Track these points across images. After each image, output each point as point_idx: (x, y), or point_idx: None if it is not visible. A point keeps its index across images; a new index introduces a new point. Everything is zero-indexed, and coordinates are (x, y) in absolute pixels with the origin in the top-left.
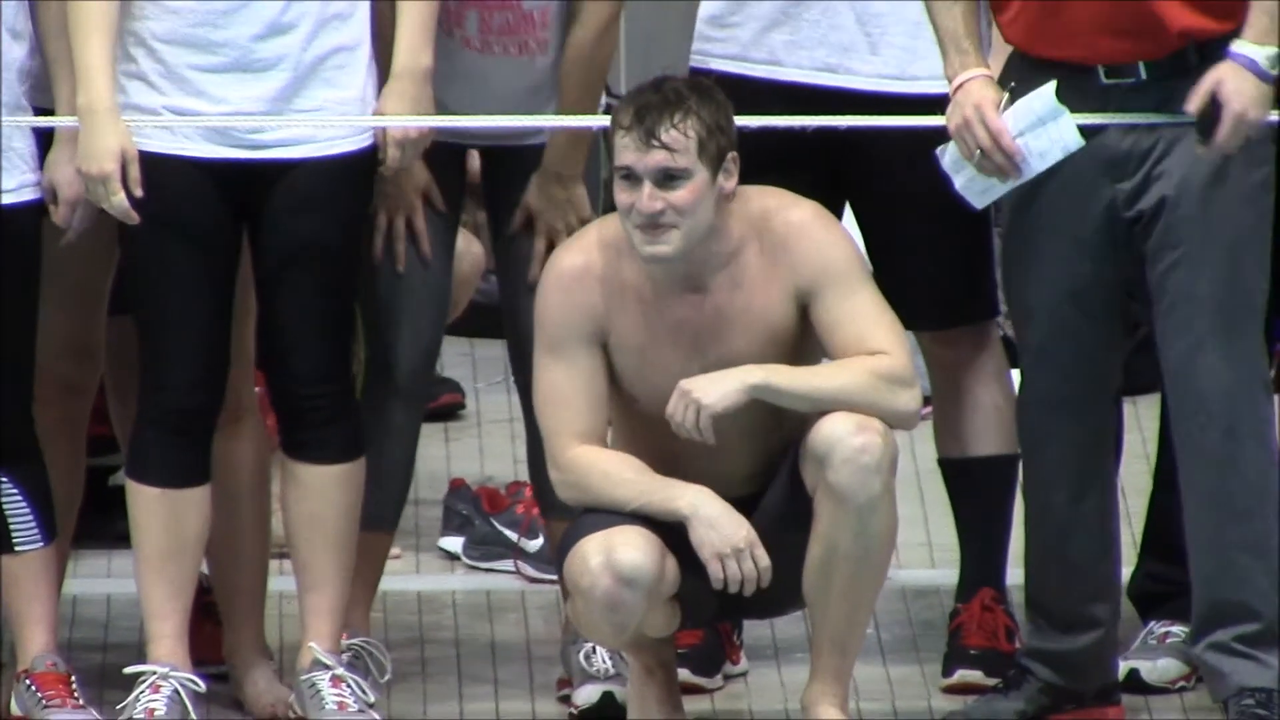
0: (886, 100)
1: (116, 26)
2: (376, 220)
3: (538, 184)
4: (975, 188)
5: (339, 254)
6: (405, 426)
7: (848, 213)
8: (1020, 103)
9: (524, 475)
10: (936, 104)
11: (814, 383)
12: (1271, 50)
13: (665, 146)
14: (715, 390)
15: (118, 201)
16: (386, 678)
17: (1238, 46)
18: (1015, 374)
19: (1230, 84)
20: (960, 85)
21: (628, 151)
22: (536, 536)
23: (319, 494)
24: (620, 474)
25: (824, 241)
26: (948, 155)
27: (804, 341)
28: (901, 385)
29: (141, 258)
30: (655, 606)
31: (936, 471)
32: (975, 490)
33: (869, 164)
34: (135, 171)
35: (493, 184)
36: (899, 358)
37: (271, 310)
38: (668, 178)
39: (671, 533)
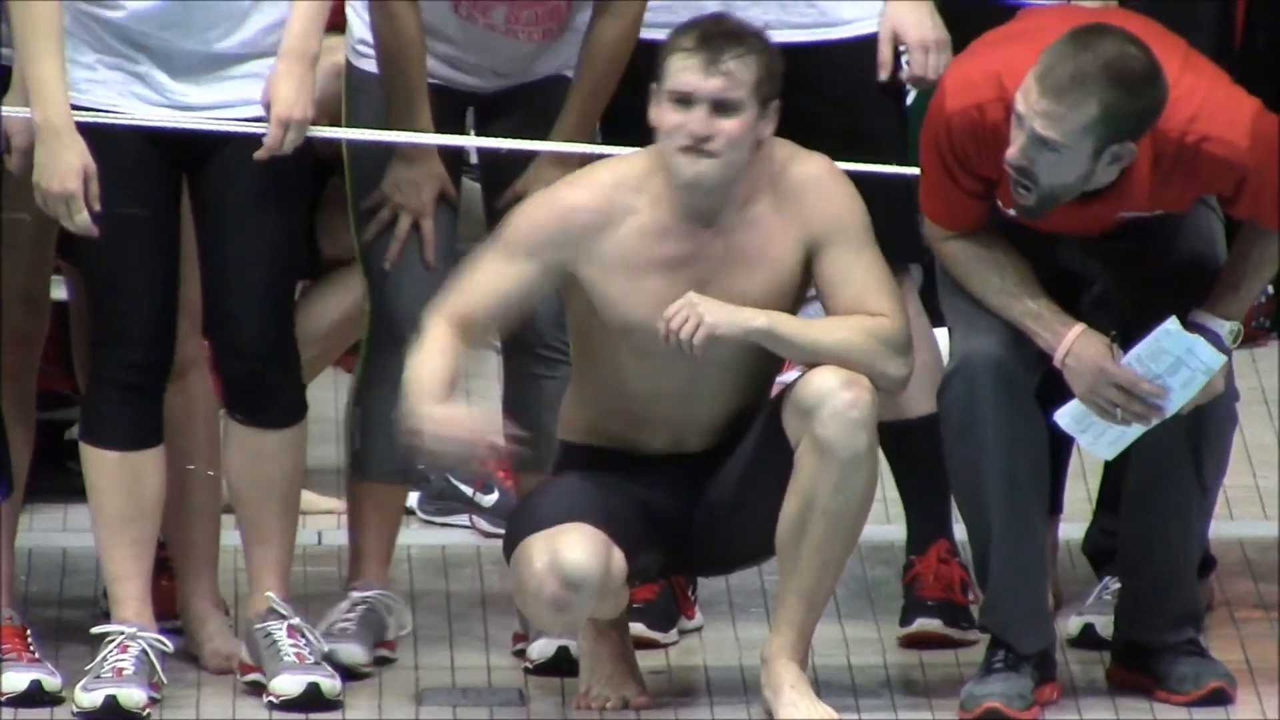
0: (823, 48)
1: (63, 33)
2: (379, 213)
3: (536, 168)
4: (1106, 439)
5: (280, 215)
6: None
7: None
8: (1146, 345)
9: None
10: (870, 44)
11: (813, 335)
12: (1235, 324)
13: (728, 74)
14: (723, 314)
15: (80, 220)
16: (406, 630)
17: (1204, 320)
18: (939, 333)
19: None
20: (1066, 351)
21: (689, 74)
22: (491, 492)
23: (265, 457)
24: (416, 372)
25: (839, 195)
26: (1068, 417)
27: (801, 292)
28: (897, 351)
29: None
30: (604, 598)
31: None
32: (916, 451)
33: (807, 107)
34: (95, 187)
35: (485, 132)
36: (898, 322)
37: (214, 272)
38: (722, 106)
39: (620, 507)
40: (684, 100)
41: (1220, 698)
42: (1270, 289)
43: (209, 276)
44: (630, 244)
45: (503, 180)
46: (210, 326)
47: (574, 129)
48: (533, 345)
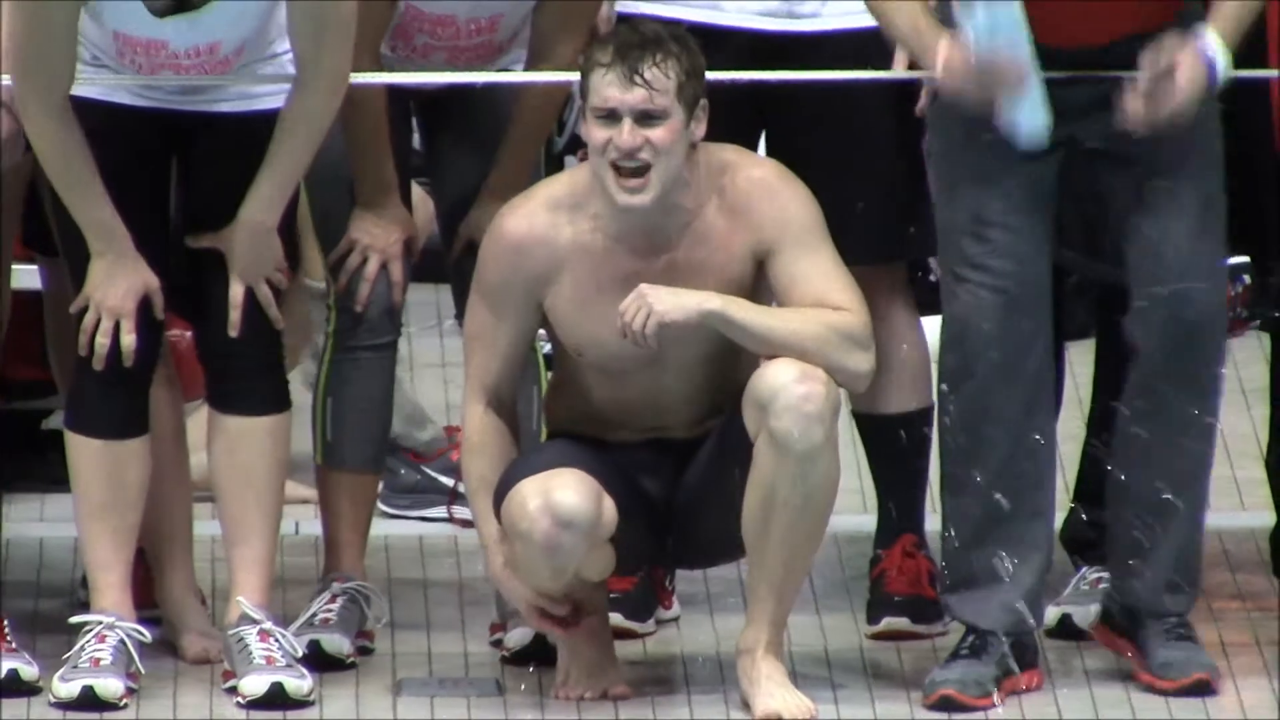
0: (823, 39)
1: (96, 171)
2: (349, 257)
3: (480, 208)
4: (1025, 112)
5: None
6: (377, 364)
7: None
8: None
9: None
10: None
11: (769, 322)
12: (1225, 57)
13: (647, 85)
14: (672, 301)
15: (127, 341)
16: (384, 621)
17: (1209, 39)
18: (926, 322)
19: (1186, 71)
20: (941, 62)
21: (610, 88)
22: None
23: (247, 446)
24: (469, 471)
25: (787, 200)
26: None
27: (756, 299)
28: (856, 344)
29: None
30: (593, 548)
31: None
32: (892, 445)
33: (799, 98)
34: (159, 300)
35: (431, 138)
36: (858, 317)
37: (198, 259)
38: (647, 116)
39: (608, 477)
40: (609, 116)
41: (1203, 689)
42: (1247, 278)
43: (193, 259)
44: (578, 267)
45: (453, 195)
46: (193, 311)
47: (511, 176)
48: None
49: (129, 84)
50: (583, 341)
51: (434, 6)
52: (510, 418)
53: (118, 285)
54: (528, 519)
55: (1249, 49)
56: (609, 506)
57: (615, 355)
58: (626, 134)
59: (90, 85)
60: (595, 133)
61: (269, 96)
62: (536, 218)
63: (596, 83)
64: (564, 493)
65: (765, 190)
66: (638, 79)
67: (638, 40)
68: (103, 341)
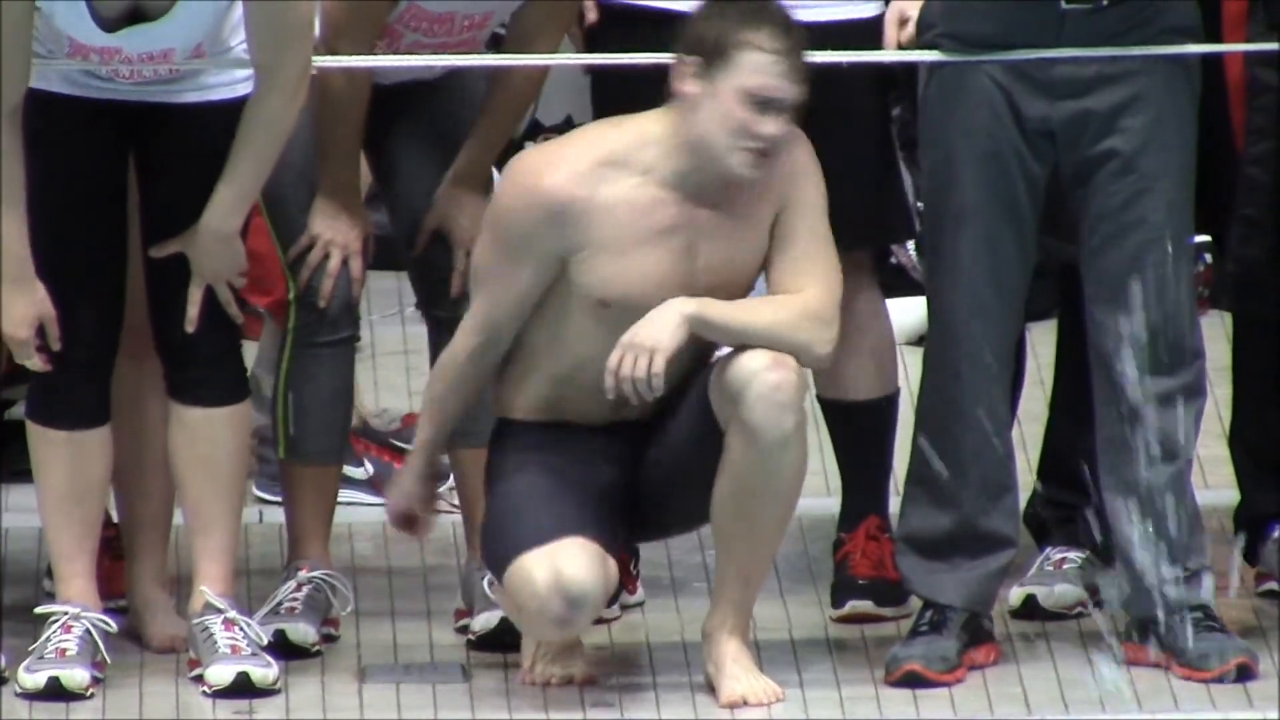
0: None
1: (23, 196)
2: (309, 254)
3: (447, 194)
4: None
5: None
6: (337, 357)
7: None
8: None
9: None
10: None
11: (742, 318)
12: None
13: (807, 81)
14: (657, 330)
15: (32, 365)
16: (349, 609)
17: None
18: (891, 303)
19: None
20: None
21: (778, 79)
22: (362, 465)
23: (207, 436)
24: (429, 403)
25: (808, 164)
26: None
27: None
28: (823, 324)
29: (34, 202)
30: (599, 606)
31: None
32: (856, 431)
33: None
34: (54, 330)
35: (384, 129)
36: (826, 296)
37: (155, 244)
38: (791, 109)
39: (574, 486)
40: (765, 104)
41: (1245, 674)
42: (1208, 257)
43: (151, 247)
44: (619, 220)
45: (408, 188)
46: (150, 301)
47: (479, 164)
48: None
49: (82, 75)
50: (614, 295)
51: (437, 6)
52: (492, 367)
53: (13, 314)
54: (538, 599)
55: (1207, 33)
56: (611, 568)
57: (641, 307)
58: (778, 126)
59: (46, 70)
60: (738, 112)
61: (225, 86)
62: (579, 177)
63: (758, 64)
64: (574, 569)
65: (791, 150)
66: (803, 74)
67: (796, 30)
68: (30, 363)
